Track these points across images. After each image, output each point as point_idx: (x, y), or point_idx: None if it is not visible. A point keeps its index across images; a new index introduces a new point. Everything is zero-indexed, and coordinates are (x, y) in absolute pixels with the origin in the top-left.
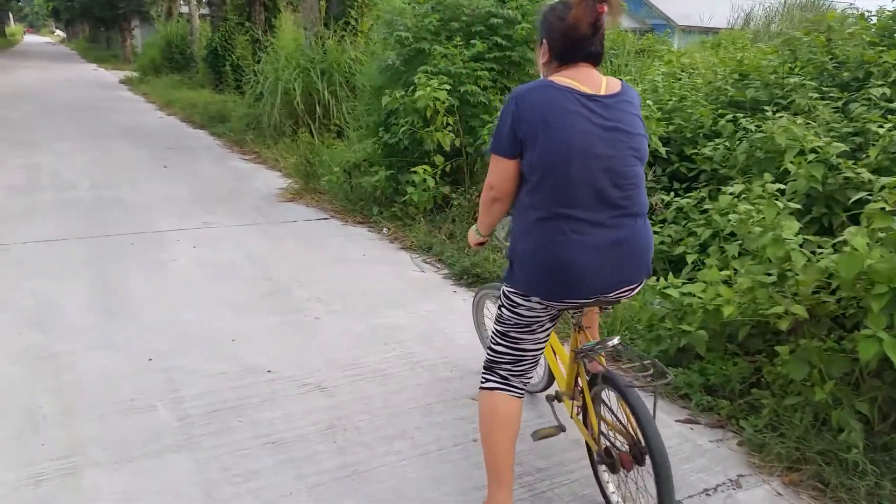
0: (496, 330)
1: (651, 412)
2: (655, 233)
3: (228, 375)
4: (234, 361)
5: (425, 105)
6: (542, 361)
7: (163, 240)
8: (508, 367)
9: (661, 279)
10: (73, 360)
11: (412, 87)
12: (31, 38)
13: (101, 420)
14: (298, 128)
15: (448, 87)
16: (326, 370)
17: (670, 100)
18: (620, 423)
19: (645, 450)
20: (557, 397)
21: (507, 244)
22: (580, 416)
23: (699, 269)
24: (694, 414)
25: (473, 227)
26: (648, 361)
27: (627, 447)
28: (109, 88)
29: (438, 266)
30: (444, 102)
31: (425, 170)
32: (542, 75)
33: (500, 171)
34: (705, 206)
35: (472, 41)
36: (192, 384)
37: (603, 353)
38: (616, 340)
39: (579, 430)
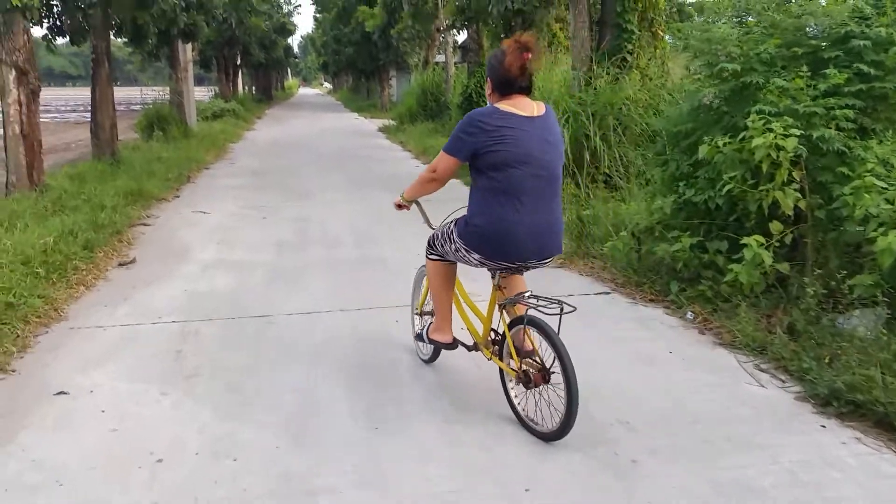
0: (442, 239)
1: (558, 336)
2: None
3: None
4: None
5: (764, 155)
6: (429, 345)
7: None
8: (442, 253)
9: None
10: (334, 502)
11: (739, 133)
12: (303, 90)
13: None
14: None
15: (797, 131)
16: None
17: None
18: (530, 353)
19: (550, 371)
20: (475, 348)
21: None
22: (497, 355)
23: None
24: None
25: (400, 194)
26: (555, 299)
27: (536, 370)
28: (369, 136)
29: (783, 379)
30: (789, 152)
31: (758, 241)
32: (488, 103)
33: (448, 166)
34: None
35: (824, 70)
36: None
37: (520, 302)
38: (529, 292)
39: (498, 365)
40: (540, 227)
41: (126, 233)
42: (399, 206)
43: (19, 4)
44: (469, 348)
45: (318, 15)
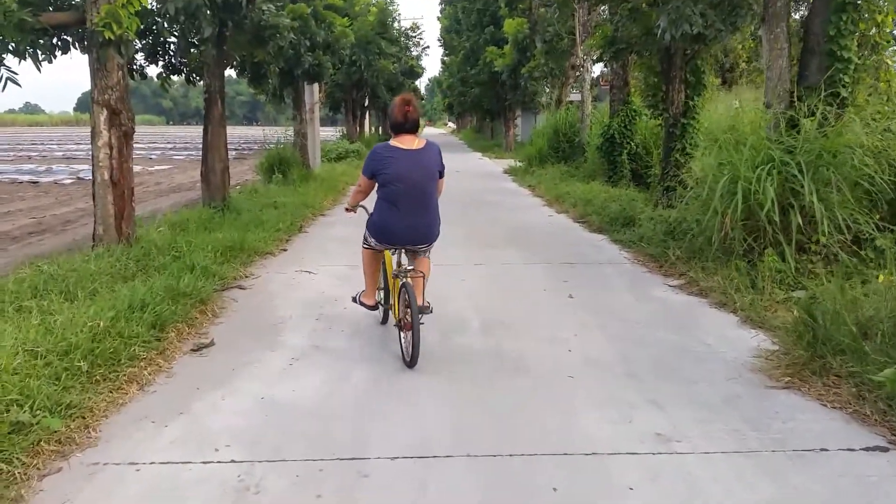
0: (365, 236)
1: (415, 295)
2: None
3: None
4: None
5: None
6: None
7: (601, 484)
8: (368, 243)
9: None
10: None
11: None
12: (428, 130)
13: None
14: (762, 247)
15: None
16: None
17: None
18: (405, 307)
19: (412, 320)
20: (387, 301)
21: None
22: (396, 308)
23: None
24: None
25: (346, 205)
26: (420, 271)
27: (408, 319)
28: (494, 179)
29: None
30: None
31: None
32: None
33: (364, 182)
34: None
35: None
36: None
37: (407, 274)
38: (411, 267)
39: (394, 315)
40: (411, 225)
41: (213, 301)
42: (348, 210)
43: (112, 38)
44: (383, 306)
45: (445, 58)
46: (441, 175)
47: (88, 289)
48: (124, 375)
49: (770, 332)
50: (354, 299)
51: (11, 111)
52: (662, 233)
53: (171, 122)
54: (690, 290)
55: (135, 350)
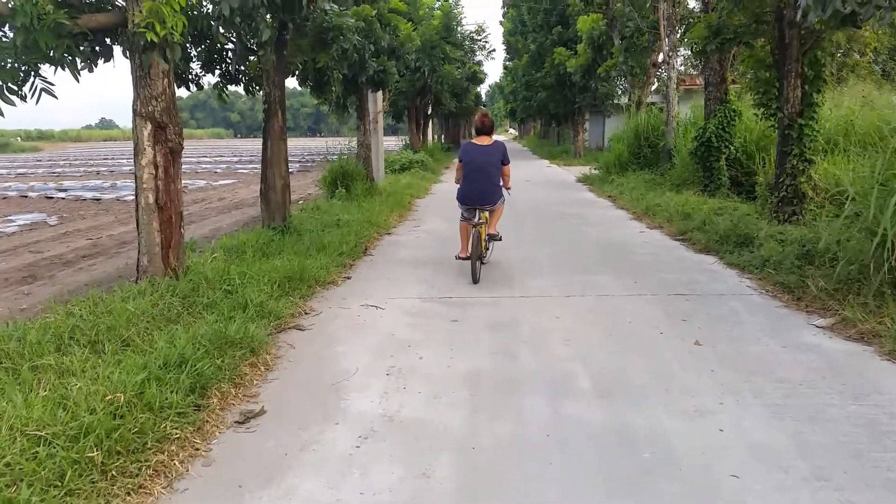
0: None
1: (478, 240)
2: None
3: None
4: None
5: None
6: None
7: None
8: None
9: None
10: None
11: None
12: None
13: None
14: None
15: None
16: None
17: None
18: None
19: (485, 255)
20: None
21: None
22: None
23: None
24: None
25: (455, 178)
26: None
27: (480, 252)
28: (568, 189)
29: None
30: None
31: None
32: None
33: (459, 165)
34: None
35: None
36: None
37: (480, 224)
38: (483, 220)
39: (472, 249)
40: (477, 190)
41: (265, 350)
42: (457, 182)
43: (156, 40)
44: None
45: (508, 62)
46: (504, 163)
47: (122, 337)
48: (148, 467)
49: None
50: (457, 257)
51: (88, 127)
52: (795, 256)
53: (238, 136)
54: (847, 333)
55: (166, 427)
